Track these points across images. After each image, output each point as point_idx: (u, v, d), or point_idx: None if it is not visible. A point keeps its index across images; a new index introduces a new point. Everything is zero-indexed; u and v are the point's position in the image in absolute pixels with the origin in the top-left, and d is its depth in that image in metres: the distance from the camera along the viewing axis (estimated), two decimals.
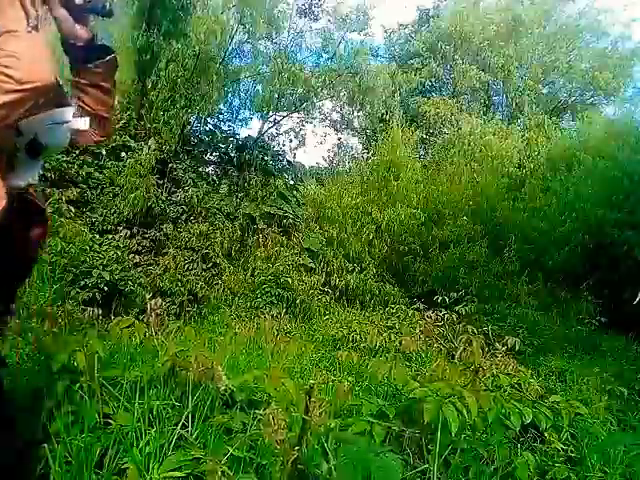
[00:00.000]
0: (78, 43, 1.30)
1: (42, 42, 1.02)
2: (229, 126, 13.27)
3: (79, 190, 8.34)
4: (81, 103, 1.41)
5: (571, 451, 2.39)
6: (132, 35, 9.13)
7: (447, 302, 7.03)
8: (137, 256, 8.28)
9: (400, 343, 5.92)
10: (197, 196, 9.42)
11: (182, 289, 8.02)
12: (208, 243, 8.98)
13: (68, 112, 1.33)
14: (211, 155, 12.10)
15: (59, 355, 2.06)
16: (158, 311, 6.90)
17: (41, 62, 1.00)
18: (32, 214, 1.35)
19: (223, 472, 1.69)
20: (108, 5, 1.33)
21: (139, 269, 7.99)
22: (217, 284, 8.74)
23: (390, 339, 6.17)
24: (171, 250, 8.65)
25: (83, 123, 1.39)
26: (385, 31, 20.15)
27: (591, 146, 12.81)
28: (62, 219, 7.35)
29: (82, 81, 1.37)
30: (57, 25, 1.26)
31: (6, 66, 0.95)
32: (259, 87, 13.63)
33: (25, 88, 0.96)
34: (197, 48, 9.83)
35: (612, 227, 9.84)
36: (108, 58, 1.36)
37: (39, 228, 1.39)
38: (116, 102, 1.45)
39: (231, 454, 1.83)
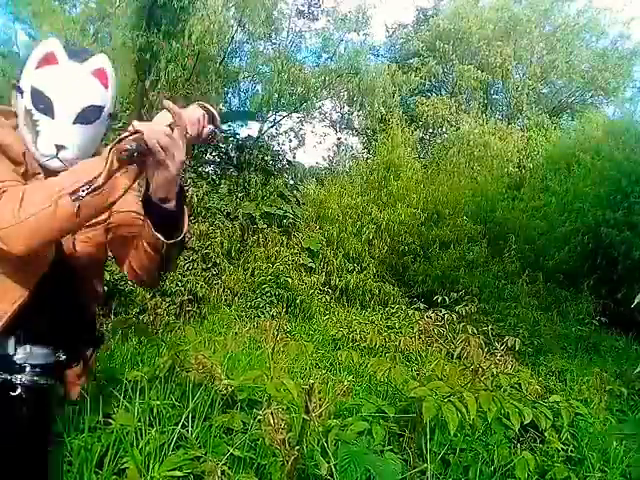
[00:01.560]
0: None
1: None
2: (229, 126, 13.24)
3: None
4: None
5: (571, 451, 2.39)
6: (132, 35, 9.11)
7: (447, 302, 6.99)
8: None
9: (400, 343, 5.92)
10: (197, 196, 9.40)
11: (182, 289, 8.00)
12: (208, 243, 8.96)
13: None
14: (211, 155, 12.07)
15: None
16: (158, 311, 6.90)
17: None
18: None
19: (223, 472, 1.70)
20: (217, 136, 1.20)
21: None
22: (217, 284, 8.72)
23: (390, 339, 6.16)
24: None
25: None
26: (387, 30, 20.16)
27: (590, 146, 12.81)
28: None
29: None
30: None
31: None
32: (258, 87, 13.66)
33: None
34: (197, 48, 9.82)
35: (611, 227, 9.85)
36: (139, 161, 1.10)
37: None
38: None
39: (231, 454, 1.84)
